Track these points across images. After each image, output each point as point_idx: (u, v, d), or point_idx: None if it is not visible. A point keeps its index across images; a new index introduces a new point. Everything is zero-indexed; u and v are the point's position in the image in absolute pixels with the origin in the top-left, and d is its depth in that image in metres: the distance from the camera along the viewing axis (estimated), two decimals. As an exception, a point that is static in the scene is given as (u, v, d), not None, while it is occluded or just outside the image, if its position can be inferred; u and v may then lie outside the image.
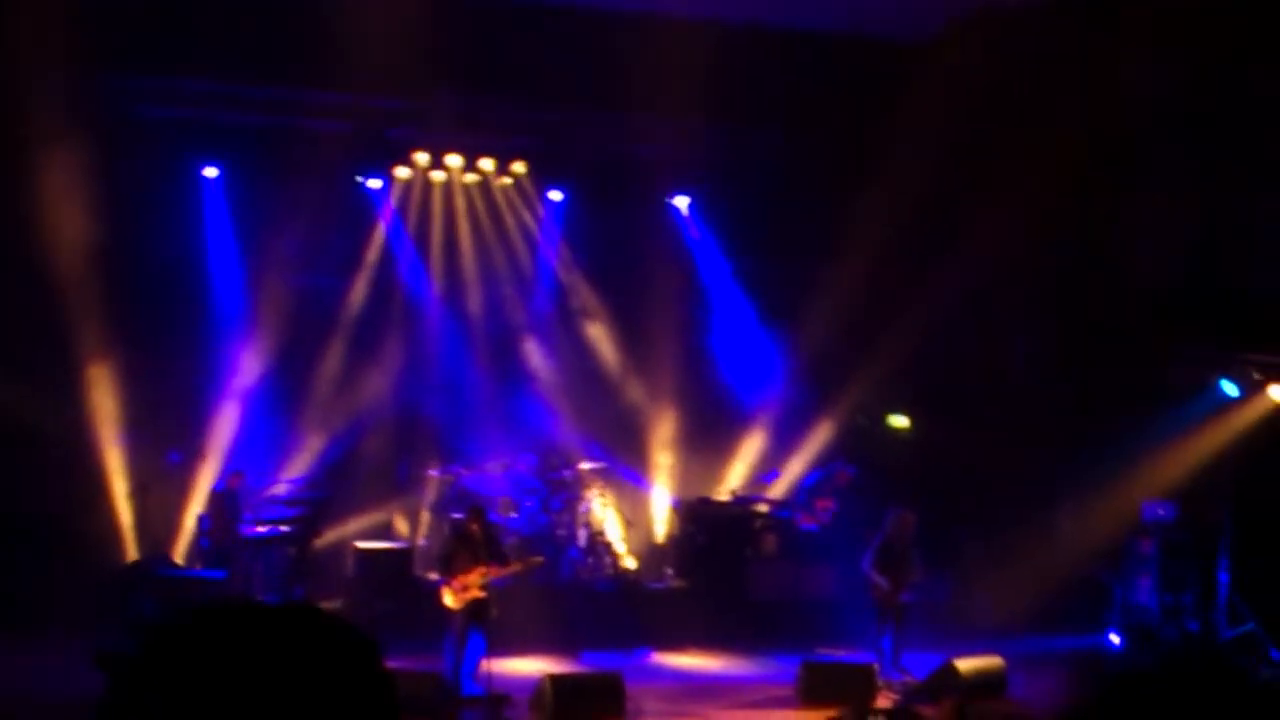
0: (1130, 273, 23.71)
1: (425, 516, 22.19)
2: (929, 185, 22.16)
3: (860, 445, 24.11)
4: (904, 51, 22.37)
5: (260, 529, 20.46)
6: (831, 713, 14.37)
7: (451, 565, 17.27)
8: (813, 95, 22.49)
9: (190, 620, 2.90)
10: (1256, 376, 21.55)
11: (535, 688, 16.73)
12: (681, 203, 24.60)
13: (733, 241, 24.62)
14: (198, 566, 20.50)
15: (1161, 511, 21.44)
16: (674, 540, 23.31)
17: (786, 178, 23.79)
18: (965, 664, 17.83)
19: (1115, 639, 20.86)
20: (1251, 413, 21.71)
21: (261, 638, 2.87)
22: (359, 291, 23.13)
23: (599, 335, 24.27)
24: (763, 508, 23.00)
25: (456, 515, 19.93)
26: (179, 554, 21.01)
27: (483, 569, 17.17)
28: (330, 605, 20.36)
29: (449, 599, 17.14)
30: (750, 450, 24.35)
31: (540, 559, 19.11)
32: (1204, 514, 21.54)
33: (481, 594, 17.12)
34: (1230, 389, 21.67)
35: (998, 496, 23.21)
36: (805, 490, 23.39)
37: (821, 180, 23.59)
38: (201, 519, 20.80)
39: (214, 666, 2.83)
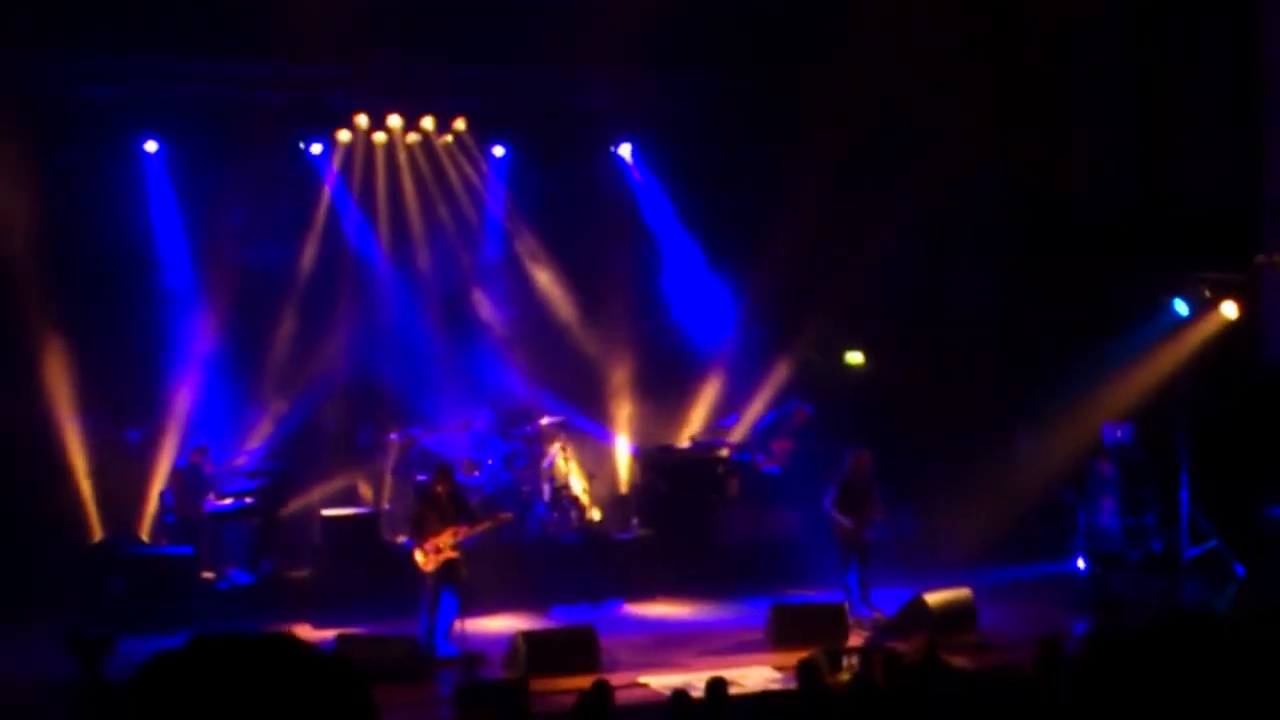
0: (1075, 195, 23.80)
1: (388, 480, 22.16)
2: (870, 122, 22.22)
3: (816, 383, 24.15)
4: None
5: (224, 502, 20.41)
6: (803, 654, 14.41)
7: (422, 528, 17.31)
8: (752, 36, 22.44)
9: (176, 657, 2.93)
10: (1208, 294, 21.69)
11: (509, 645, 16.83)
12: (625, 151, 24.50)
13: (679, 187, 24.53)
14: (164, 543, 20.43)
15: (1120, 433, 21.60)
16: (637, 490, 23.36)
17: (729, 121, 23.74)
18: (934, 598, 17.97)
19: (1081, 564, 21.03)
20: (1204, 330, 21.86)
21: (245, 675, 2.90)
22: (308, 258, 22.95)
23: (551, 288, 24.18)
24: (724, 452, 23.05)
25: (421, 478, 19.97)
26: (144, 532, 20.93)
27: (453, 529, 17.20)
28: (300, 574, 20.41)
29: (422, 561, 17.17)
30: (708, 395, 24.35)
31: (509, 515, 19.19)
32: (1162, 434, 21.73)
33: (454, 554, 17.16)
34: (1181, 308, 21.80)
35: (956, 427, 23.31)
36: (759, 433, 23.44)
37: (764, 121, 23.58)
38: (164, 495, 20.71)
39: (200, 705, 2.85)
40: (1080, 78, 23.63)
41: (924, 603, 17.93)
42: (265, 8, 19.74)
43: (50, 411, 20.79)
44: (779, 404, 23.69)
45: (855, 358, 24.90)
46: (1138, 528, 21.23)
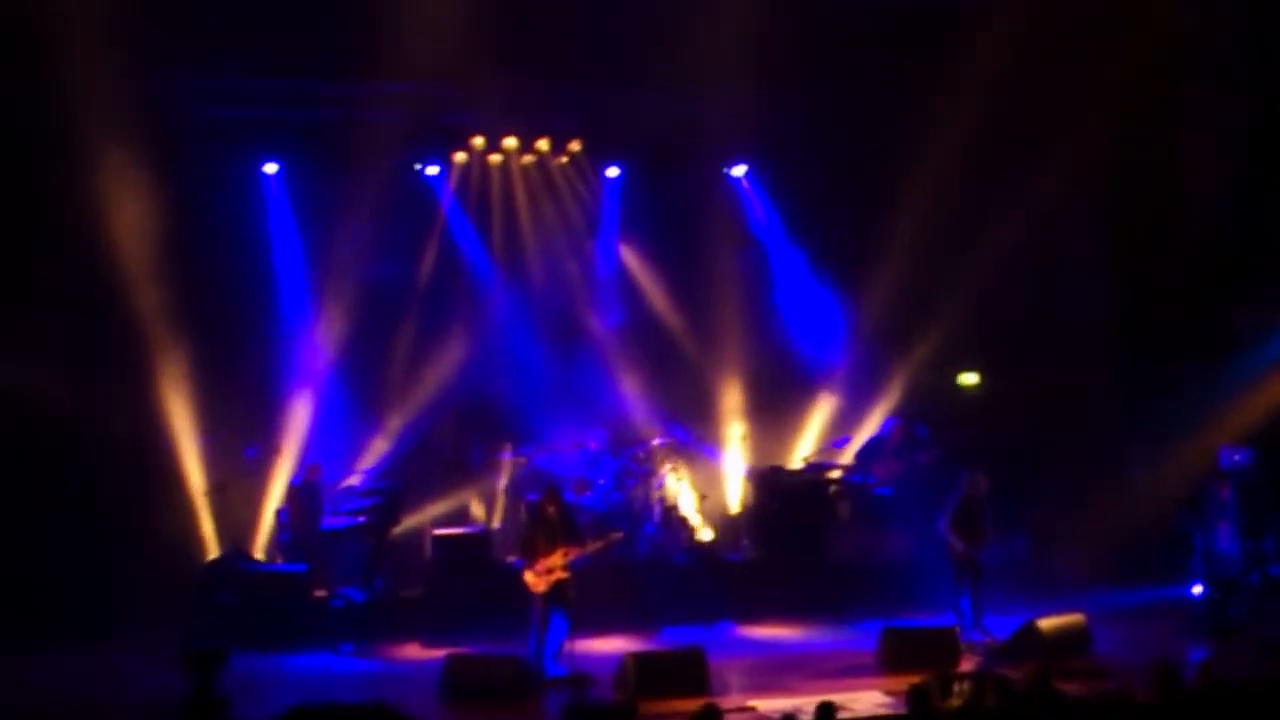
0: (1194, 216, 23.51)
1: (500, 500, 22.26)
2: (983, 137, 22.06)
3: (930, 404, 24.02)
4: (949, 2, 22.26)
5: (339, 520, 20.56)
6: (915, 678, 14.30)
7: (532, 548, 17.35)
8: (863, 51, 22.39)
9: None
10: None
11: (618, 666, 16.83)
12: (739, 171, 24.53)
13: (792, 206, 24.54)
14: (278, 561, 20.64)
15: (1239, 456, 21.27)
16: (748, 510, 23.25)
17: (842, 137, 23.64)
18: (1047, 623, 17.82)
19: (1198, 589, 20.70)
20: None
21: None
22: (423, 278, 23.19)
23: (663, 308, 24.24)
24: (835, 473, 22.93)
25: (532, 498, 20.03)
26: (259, 549, 21.15)
27: (563, 549, 17.24)
28: (411, 593, 20.51)
29: (533, 582, 17.22)
30: (821, 416, 24.29)
31: (620, 534, 19.10)
32: (1282, 457, 21.41)
33: (564, 575, 17.20)
34: (1301, 331, 21.50)
35: (1071, 450, 23.13)
36: (861, 458, 23.29)
37: (877, 137, 23.46)
38: (280, 513, 20.92)
39: None
40: (1197, 96, 23.35)
41: (1037, 628, 17.77)
42: (382, 29, 19.96)
43: (169, 427, 21.06)
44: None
45: (969, 379, 24.72)
46: (1256, 552, 20.87)
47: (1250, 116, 23.01)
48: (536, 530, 17.57)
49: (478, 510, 22.34)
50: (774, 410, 24.09)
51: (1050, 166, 22.15)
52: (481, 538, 21.16)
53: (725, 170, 24.47)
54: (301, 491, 20.69)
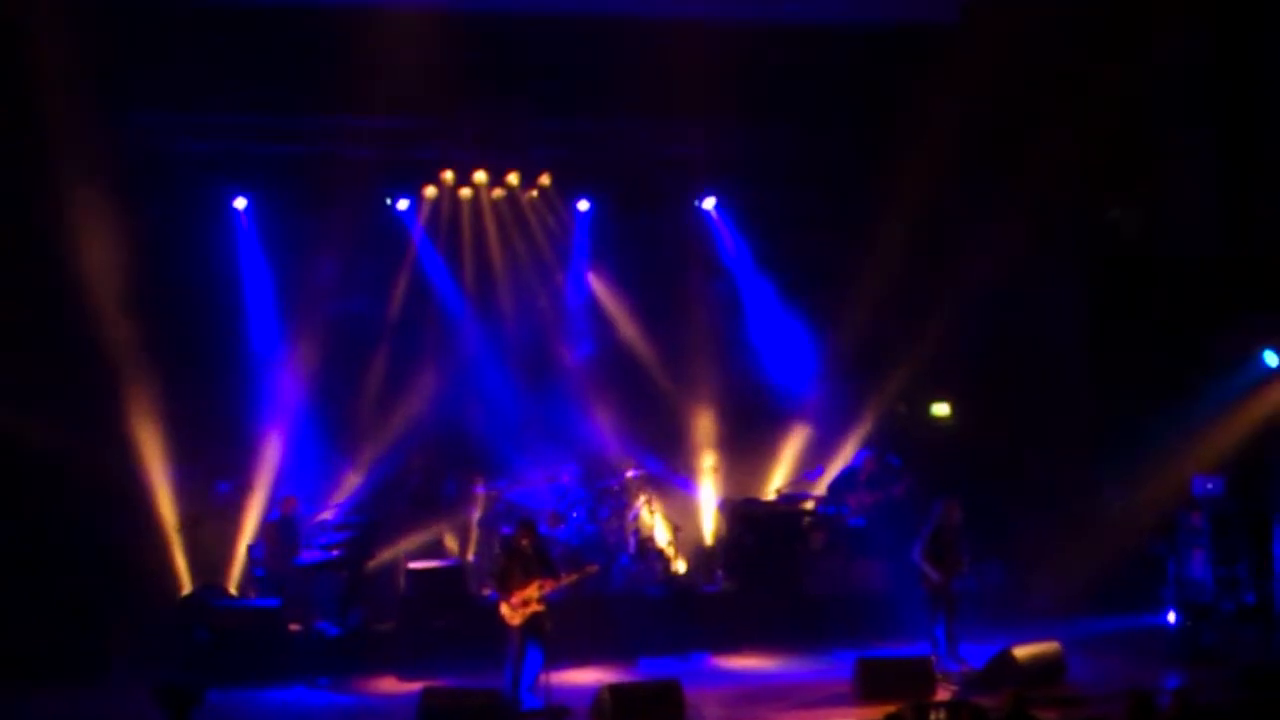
0: (1169, 243, 23.59)
1: (474, 533, 22.22)
2: (958, 167, 22.14)
3: (903, 435, 24.05)
4: (927, 33, 22.31)
5: (312, 555, 20.48)
6: (890, 708, 14.31)
7: (506, 581, 17.30)
8: (836, 86, 22.48)
9: None
10: (1299, 344, 21.42)
11: (594, 698, 16.81)
12: (709, 203, 24.55)
13: (763, 238, 24.57)
14: (252, 596, 20.55)
15: (1211, 485, 21.31)
16: (722, 542, 23.25)
17: (814, 171, 23.72)
18: (1022, 651, 17.82)
19: (1172, 616, 20.75)
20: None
21: None
22: (394, 312, 23.17)
23: (635, 341, 24.24)
24: (809, 504, 22.92)
25: (506, 531, 19.99)
26: (232, 584, 21.04)
27: (538, 582, 17.20)
28: (385, 627, 20.44)
29: (508, 614, 17.17)
30: (794, 447, 24.29)
31: (595, 567, 19.04)
32: (1254, 485, 21.44)
33: (539, 608, 17.15)
34: (1271, 359, 21.52)
35: (1045, 479, 23.15)
36: (833, 489, 23.31)
37: (850, 170, 23.55)
38: (252, 549, 20.85)
39: None
40: (1170, 124, 23.46)
41: (1012, 656, 17.77)
42: (352, 64, 19.97)
43: (141, 462, 20.96)
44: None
45: (941, 409, 24.76)
46: (1229, 579, 20.92)
47: (1227, 145, 23.10)
48: (511, 563, 17.51)
49: (451, 544, 22.29)
50: (746, 442, 24.11)
51: (1025, 195, 22.21)
52: (456, 571, 21.09)
53: (695, 203, 24.48)
54: (278, 526, 20.63)
